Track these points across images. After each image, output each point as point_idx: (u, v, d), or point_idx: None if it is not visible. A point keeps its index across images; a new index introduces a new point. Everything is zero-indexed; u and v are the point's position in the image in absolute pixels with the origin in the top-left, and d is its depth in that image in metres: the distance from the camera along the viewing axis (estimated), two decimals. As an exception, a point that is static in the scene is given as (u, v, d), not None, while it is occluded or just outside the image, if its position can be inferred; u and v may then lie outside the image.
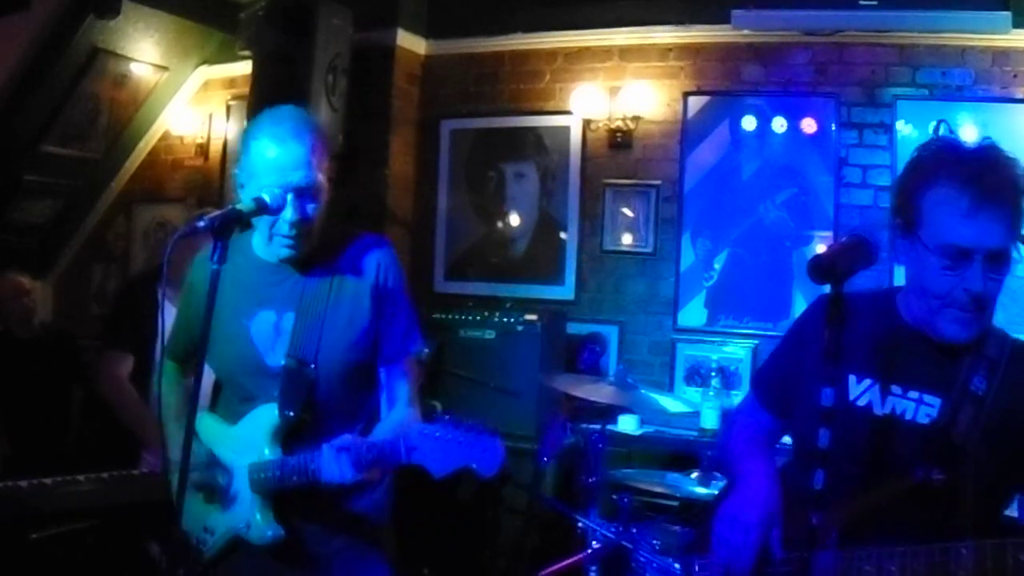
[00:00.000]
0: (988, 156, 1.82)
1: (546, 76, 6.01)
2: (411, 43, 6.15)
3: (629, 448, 5.20)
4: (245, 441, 2.38)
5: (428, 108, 6.25)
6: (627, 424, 5.21)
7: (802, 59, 5.68)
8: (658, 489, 4.04)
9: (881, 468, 1.83)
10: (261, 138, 2.24)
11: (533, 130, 6.01)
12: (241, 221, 2.14)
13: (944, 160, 1.83)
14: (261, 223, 2.28)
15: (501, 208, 6.11)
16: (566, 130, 5.93)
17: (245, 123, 5.64)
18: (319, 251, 2.38)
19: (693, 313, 5.67)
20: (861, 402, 1.89)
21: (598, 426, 4.09)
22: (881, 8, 5.52)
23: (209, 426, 2.46)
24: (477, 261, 6.17)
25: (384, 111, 6.08)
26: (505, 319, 5.44)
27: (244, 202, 2.18)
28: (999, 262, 1.76)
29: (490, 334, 5.46)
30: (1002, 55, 5.55)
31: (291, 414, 2.32)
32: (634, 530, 3.65)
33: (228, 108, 6.67)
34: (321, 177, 2.28)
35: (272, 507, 2.33)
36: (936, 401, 1.85)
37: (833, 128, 5.55)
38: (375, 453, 2.14)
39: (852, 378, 1.90)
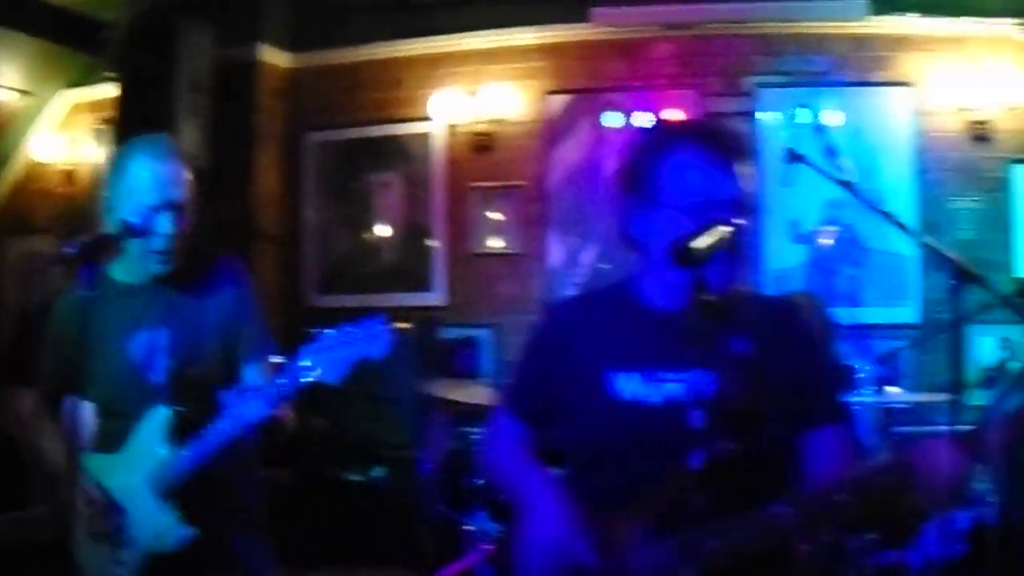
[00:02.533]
0: (712, 122, 2.03)
1: (407, 84, 5.75)
2: (273, 57, 5.86)
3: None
4: (136, 457, 2.34)
5: (293, 122, 5.95)
6: None
7: (663, 53, 5.50)
8: None
9: (674, 454, 1.73)
10: (137, 158, 2.30)
11: (396, 138, 5.74)
12: (110, 245, 2.22)
13: (675, 131, 1.92)
14: (132, 245, 2.29)
15: (369, 218, 5.80)
16: (429, 136, 5.68)
17: (114, 147, 5.50)
18: (183, 271, 2.40)
19: None
20: (632, 397, 1.83)
21: (478, 428, 3.85)
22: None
23: (95, 464, 2.42)
24: (348, 273, 5.83)
25: (249, 127, 5.76)
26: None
27: (112, 226, 2.23)
28: (740, 214, 1.78)
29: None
30: (860, 41, 5.39)
31: (182, 410, 2.32)
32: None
33: (96, 133, 6.27)
34: (191, 198, 2.35)
35: (178, 508, 2.29)
36: (708, 376, 1.78)
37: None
38: (276, 385, 2.16)
39: (616, 375, 1.84)
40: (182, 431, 2.32)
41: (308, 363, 2.12)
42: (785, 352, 1.85)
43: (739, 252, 1.79)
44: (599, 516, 1.77)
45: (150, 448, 2.33)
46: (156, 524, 2.30)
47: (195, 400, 2.32)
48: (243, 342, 2.48)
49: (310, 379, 2.12)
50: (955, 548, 4.59)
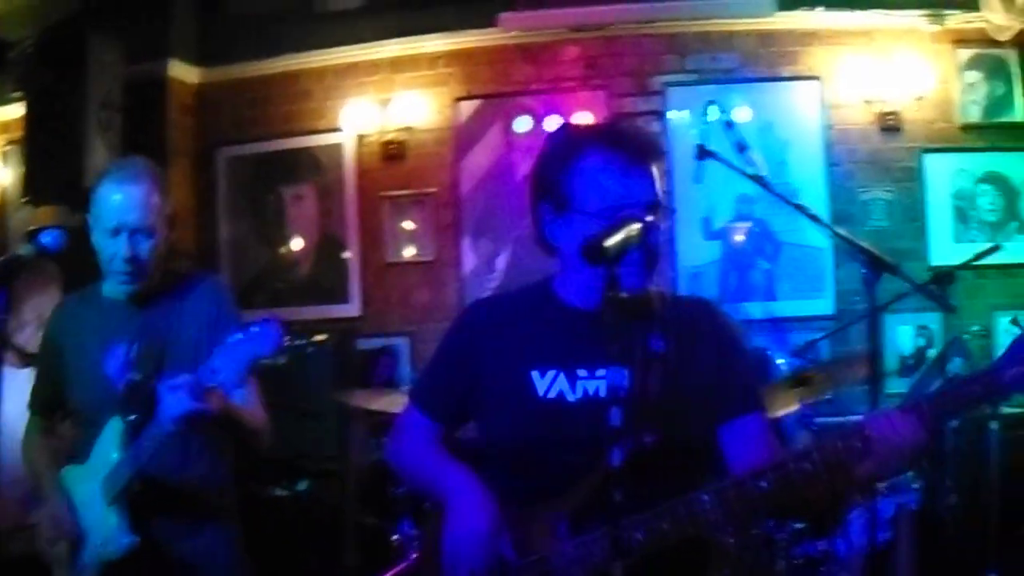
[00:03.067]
0: (623, 125, 1.97)
1: (318, 95, 5.65)
2: (183, 73, 5.75)
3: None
4: (95, 466, 2.39)
5: (204, 137, 5.82)
6: None
7: (571, 55, 5.43)
8: None
9: (594, 450, 1.72)
10: (104, 183, 2.38)
11: (308, 150, 5.62)
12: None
13: (584, 136, 1.89)
14: (102, 263, 2.41)
15: (283, 232, 5.67)
16: (340, 147, 5.56)
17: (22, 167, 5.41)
18: (161, 287, 2.48)
19: None
20: (552, 394, 1.83)
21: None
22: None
23: (68, 474, 2.50)
24: (264, 288, 5.66)
25: (160, 143, 5.58)
26: (296, 342, 5.17)
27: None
28: (654, 212, 1.77)
29: (282, 359, 5.21)
30: (768, 37, 5.37)
31: (133, 417, 2.34)
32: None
33: (4, 154, 6.08)
34: (157, 220, 2.40)
35: (127, 514, 2.32)
36: (624, 372, 1.76)
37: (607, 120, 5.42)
38: (196, 378, 2.16)
39: (535, 374, 1.84)
40: (133, 439, 2.36)
41: (214, 367, 2.14)
42: (699, 347, 1.87)
43: (654, 252, 1.81)
44: (520, 512, 1.77)
45: (107, 455, 2.39)
46: (105, 531, 2.35)
47: (150, 411, 2.30)
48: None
49: (216, 383, 2.15)
50: (880, 535, 4.58)
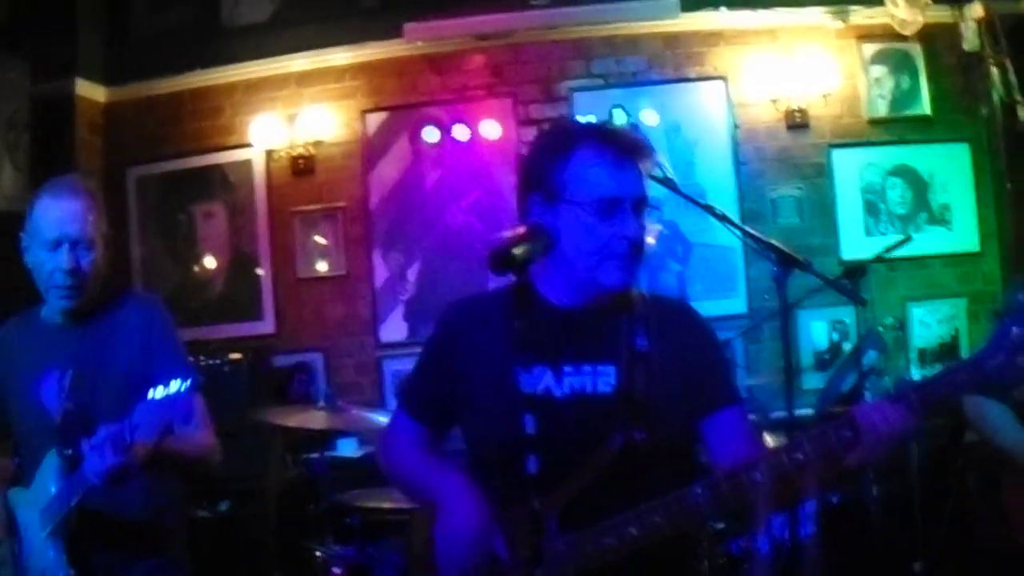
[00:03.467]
0: (612, 123, 2.03)
1: (226, 111, 5.58)
2: (90, 91, 5.65)
3: (354, 470, 4.82)
4: (36, 494, 2.36)
5: (113, 156, 5.72)
6: (347, 447, 5.05)
7: (477, 64, 5.39)
8: (387, 505, 3.83)
9: (583, 446, 1.78)
10: (42, 198, 2.37)
11: (218, 167, 5.54)
12: None
13: (576, 131, 1.90)
14: (40, 281, 2.38)
15: (194, 251, 5.58)
16: (249, 163, 5.50)
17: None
18: (96, 309, 2.45)
19: (393, 328, 5.32)
20: (539, 391, 1.81)
21: (317, 453, 4.10)
22: (553, 5, 5.38)
23: (14, 496, 2.47)
24: (177, 307, 5.53)
25: (69, 163, 5.46)
26: (211, 362, 5.11)
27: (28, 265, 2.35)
28: (642, 209, 1.83)
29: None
30: (673, 39, 5.36)
31: (69, 452, 2.31)
32: (370, 550, 3.66)
33: None
34: (96, 234, 2.38)
35: (65, 547, 2.29)
36: (610, 369, 1.83)
37: (512, 128, 5.40)
38: (117, 433, 2.15)
39: (520, 371, 1.81)
40: (71, 473, 2.33)
41: (135, 423, 2.13)
42: (678, 344, 1.89)
43: (639, 249, 1.83)
44: (510, 511, 1.75)
45: (46, 487, 2.36)
46: (43, 561, 2.32)
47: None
48: (152, 379, 2.40)
49: (137, 439, 2.13)
50: (802, 530, 4.56)
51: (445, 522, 1.81)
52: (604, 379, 1.84)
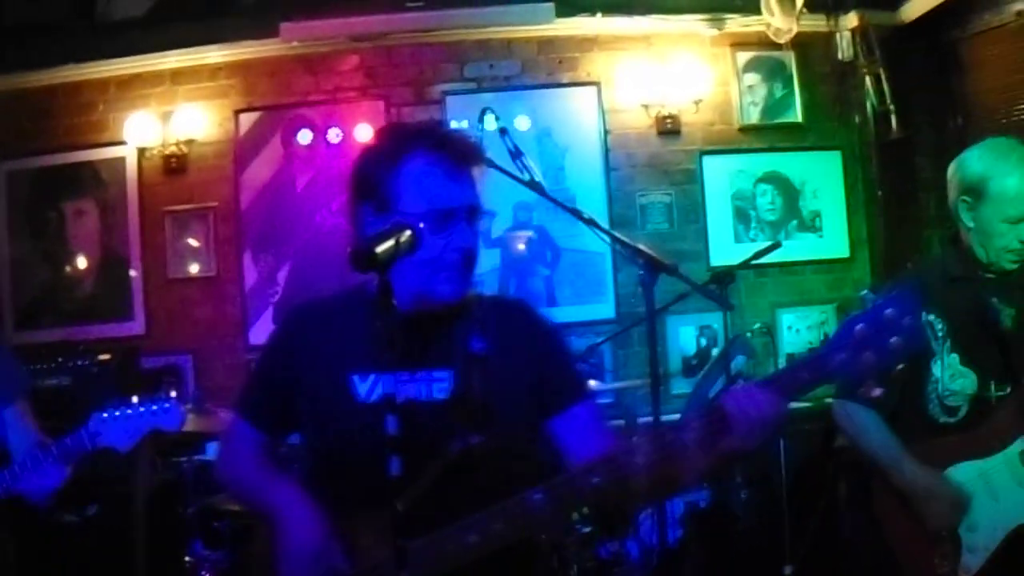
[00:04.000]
0: (444, 129, 1.97)
1: (100, 107, 5.46)
2: None
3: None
4: None
5: None
6: (216, 451, 4.91)
7: (351, 65, 5.34)
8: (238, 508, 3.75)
9: (420, 452, 1.72)
10: None
11: (90, 164, 5.43)
12: None
13: (409, 138, 1.86)
14: None
15: (66, 249, 5.47)
16: (122, 161, 5.39)
17: None
18: None
19: (263, 330, 5.21)
20: (374, 397, 1.81)
21: (186, 457, 4.06)
22: (428, 8, 5.35)
23: None
24: (48, 307, 5.47)
25: None
26: (80, 362, 5.00)
27: None
28: (475, 217, 1.83)
29: (66, 380, 4.96)
30: (547, 43, 5.35)
31: None
32: (239, 553, 3.57)
33: None
34: None
35: None
36: (446, 374, 1.83)
37: (385, 130, 5.38)
38: (65, 449, 2.21)
39: (356, 377, 1.83)
40: None
41: (97, 430, 2.21)
42: (519, 345, 1.89)
43: (471, 257, 1.82)
44: (350, 519, 1.75)
45: None
46: None
47: None
48: None
49: (99, 445, 2.22)
50: (671, 534, 4.59)
51: (284, 539, 1.79)
52: (440, 385, 1.84)
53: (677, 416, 4.62)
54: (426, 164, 1.80)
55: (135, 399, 2.24)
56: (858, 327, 1.61)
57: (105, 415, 2.22)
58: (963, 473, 2.58)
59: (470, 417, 1.77)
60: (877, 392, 2.79)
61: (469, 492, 1.73)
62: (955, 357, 2.64)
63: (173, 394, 2.30)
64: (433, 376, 1.84)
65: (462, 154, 1.84)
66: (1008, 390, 2.61)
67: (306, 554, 1.75)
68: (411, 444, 1.70)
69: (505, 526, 1.69)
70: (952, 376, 2.64)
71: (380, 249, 1.63)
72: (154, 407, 2.29)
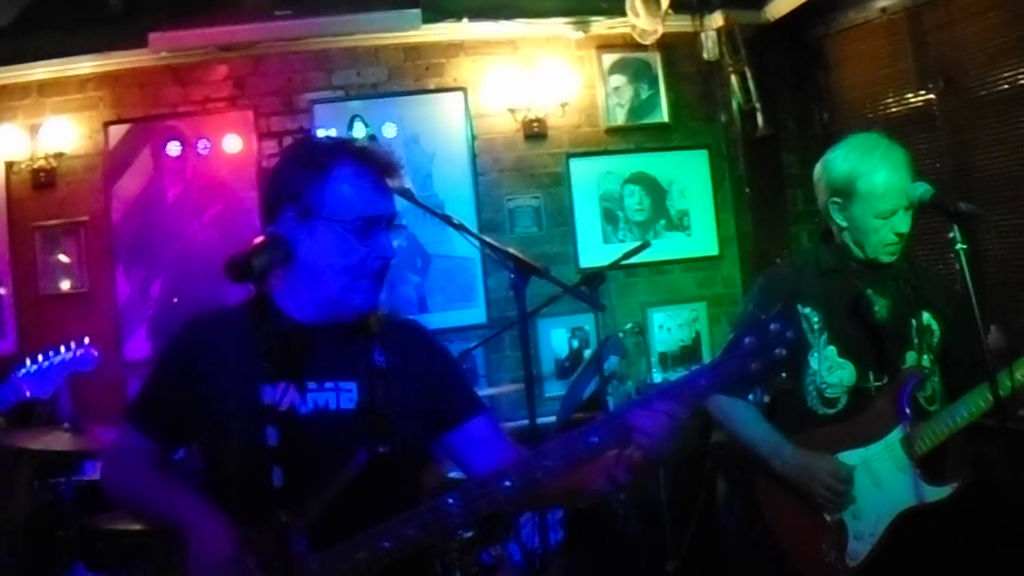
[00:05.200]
0: (362, 141, 2.01)
1: None
2: None
3: (103, 493, 4.86)
4: None
5: None
6: (95, 469, 4.65)
7: (220, 75, 5.31)
8: (138, 527, 3.75)
9: (328, 462, 1.78)
10: None
11: None
12: None
13: (334, 147, 1.89)
14: None
15: None
16: None
17: None
18: None
19: (138, 346, 5.26)
20: (283, 407, 1.79)
21: (64, 477, 4.00)
22: (296, 17, 5.36)
23: None
24: None
25: None
26: None
27: None
28: (392, 228, 1.87)
29: None
30: (413, 50, 5.37)
31: None
32: (123, 573, 3.63)
33: None
34: None
35: None
36: (352, 385, 1.85)
37: (253, 140, 5.40)
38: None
39: (264, 387, 1.77)
40: None
41: (20, 384, 2.33)
42: (415, 361, 1.93)
43: (386, 269, 1.86)
44: (259, 532, 1.72)
45: None
46: None
47: None
48: None
49: (23, 398, 2.31)
50: (552, 536, 4.67)
51: (194, 554, 1.76)
52: (347, 395, 1.86)
53: (552, 419, 4.75)
54: (354, 173, 1.83)
55: (50, 351, 2.27)
56: (747, 340, 1.73)
57: (23, 371, 2.29)
58: (846, 462, 2.63)
59: (377, 427, 1.81)
60: (765, 399, 2.92)
61: (376, 500, 1.76)
62: (832, 349, 2.70)
63: (86, 340, 2.42)
64: (340, 386, 1.86)
65: (385, 165, 1.89)
66: (886, 380, 2.66)
67: (218, 567, 1.72)
68: (320, 453, 1.80)
69: (418, 531, 1.72)
70: (830, 368, 2.70)
71: (256, 260, 1.69)
72: (68, 354, 2.41)
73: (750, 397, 2.60)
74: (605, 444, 1.73)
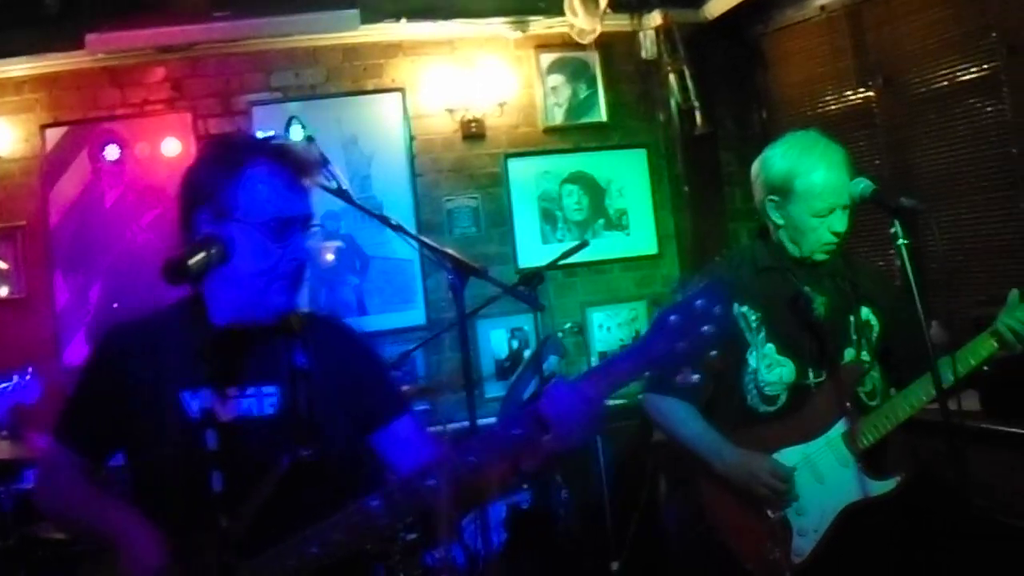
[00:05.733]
0: (283, 140, 2.10)
1: None
2: None
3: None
4: None
5: None
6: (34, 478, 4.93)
7: (158, 77, 5.29)
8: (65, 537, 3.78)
9: (253, 468, 1.76)
10: None
11: None
12: None
13: (247, 147, 1.88)
14: None
15: None
16: None
17: None
18: None
19: (77, 352, 5.20)
20: (205, 413, 1.77)
21: (3, 486, 3.96)
22: (234, 18, 5.34)
23: None
24: None
25: None
26: None
27: None
28: (308, 228, 1.84)
29: None
30: (352, 51, 5.35)
31: None
32: None
33: None
34: None
35: None
36: (274, 389, 1.83)
37: (192, 143, 5.39)
38: None
39: (185, 394, 1.80)
40: None
41: None
42: (340, 361, 1.91)
43: (306, 268, 1.84)
44: (186, 541, 1.72)
45: None
46: None
47: None
48: None
49: None
50: (495, 538, 4.70)
51: (128, 562, 1.76)
52: (268, 400, 1.84)
53: (493, 420, 4.78)
54: (268, 172, 1.81)
55: None
56: (672, 318, 1.67)
57: None
58: (787, 458, 2.63)
59: (299, 431, 1.79)
60: (694, 378, 2.89)
61: (303, 506, 1.74)
62: (771, 347, 2.69)
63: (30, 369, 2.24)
64: (262, 391, 1.84)
65: (301, 165, 1.87)
66: (825, 376, 2.64)
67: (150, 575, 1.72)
68: (244, 460, 1.76)
69: (345, 535, 1.71)
70: (769, 366, 2.69)
71: (192, 261, 1.66)
72: (11, 385, 2.29)
73: (678, 378, 2.53)
74: (528, 435, 1.69)
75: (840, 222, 2.63)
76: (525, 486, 4.73)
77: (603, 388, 1.69)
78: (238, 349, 1.84)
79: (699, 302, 1.68)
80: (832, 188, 2.59)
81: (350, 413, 1.90)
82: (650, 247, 5.60)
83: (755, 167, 2.78)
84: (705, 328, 1.67)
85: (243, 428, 1.81)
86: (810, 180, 2.61)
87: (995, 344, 2.57)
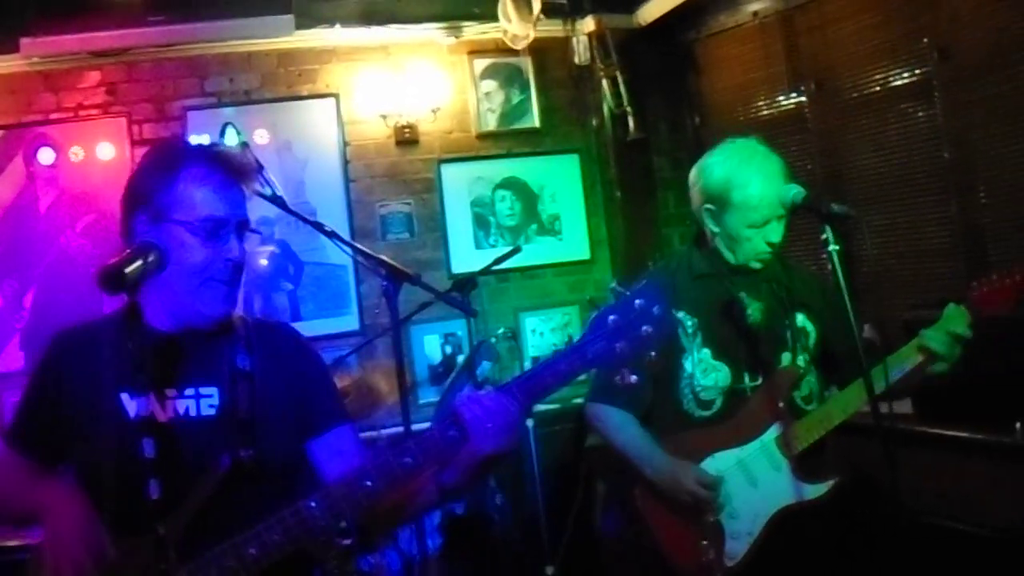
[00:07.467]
0: (220, 145, 2.19)
1: None
2: None
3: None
4: None
5: None
6: None
7: (92, 82, 5.32)
8: (14, 543, 3.70)
9: (193, 470, 1.77)
10: None
11: None
12: None
13: (184, 150, 1.90)
14: None
15: None
16: None
17: None
18: None
19: (12, 358, 5.24)
20: (144, 417, 1.77)
21: None
22: (169, 23, 5.38)
23: None
24: None
25: None
26: None
27: None
28: (244, 232, 1.88)
29: None
30: (286, 56, 5.38)
31: None
32: None
33: None
34: None
35: None
36: (213, 390, 1.84)
37: (126, 148, 5.45)
38: None
39: (125, 396, 1.80)
40: None
41: None
42: (282, 365, 1.92)
43: (242, 271, 1.87)
44: (126, 543, 1.73)
45: None
46: None
47: None
48: None
49: None
50: (430, 542, 4.77)
51: (51, 531, 1.77)
52: (207, 401, 1.85)
53: (426, 426, 4.85)
54: (203, 174, 1.83)
55: None
56: (611, 318, 1.69)
57: None
58: (721, 462, 2.67)
59: (239, 432, 1.80)
60: (633, 379, 2.96)
61: (243, 507, 1.74)
62: (707, 352, 2.73)
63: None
64: (200, 393, 1.85)
65: (237, 169, 1.89)
66: (760, 381, 2.67)
67: (72, 540, 1.73)
68: (183, 461, 1.79)
69: (283, 537, 1.71)
70: (705, 371, 2.73)
71: (129, 269, 1.67)
72: None
73: (616, 379, 2.65)
74: (445, 445, 1.73)
75: (775, 233, 2.68)
76: (498, 501, 4.75)
77: (525, 397, 1.73)
78: (178, 352, 1.86)
79: (638, 302, 1.72)
80: (768, 201, 2.62)
81: (291, 416, 1.90)
82: (583, 252, 5.68)
83: (693, 174, 2.81)
84: (644, 328, 1.71)
85: (181, 429, 1.82)
86: (747, 192, 2.64)
87: (919, 356, 2.60)
